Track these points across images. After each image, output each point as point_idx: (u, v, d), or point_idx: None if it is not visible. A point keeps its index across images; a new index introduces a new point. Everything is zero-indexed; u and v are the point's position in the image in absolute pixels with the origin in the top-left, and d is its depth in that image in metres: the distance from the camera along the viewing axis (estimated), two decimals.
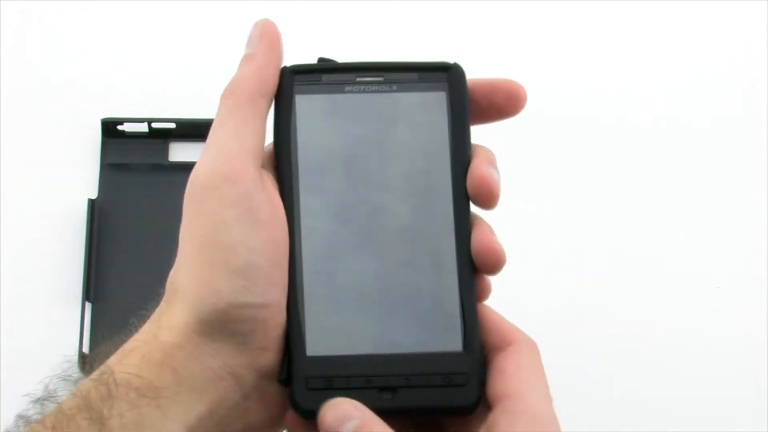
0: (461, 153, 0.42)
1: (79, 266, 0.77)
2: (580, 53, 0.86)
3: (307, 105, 0.43)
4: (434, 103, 0.43)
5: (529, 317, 0.77)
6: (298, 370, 0.39)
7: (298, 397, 0.39)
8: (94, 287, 0.77)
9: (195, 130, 0.81)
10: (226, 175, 0.40)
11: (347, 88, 0.43)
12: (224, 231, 0.39)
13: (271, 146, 0.44)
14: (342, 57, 0.80)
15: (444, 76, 0.43)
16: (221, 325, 0.39)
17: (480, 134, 0.44)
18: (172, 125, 0.81)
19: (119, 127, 0.80)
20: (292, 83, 0.43)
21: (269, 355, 0.40)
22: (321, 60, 0.44)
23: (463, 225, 0.42)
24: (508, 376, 0.40)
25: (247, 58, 0.43)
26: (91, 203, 0.78)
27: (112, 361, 0.39)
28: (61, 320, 0.75)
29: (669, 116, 0.84)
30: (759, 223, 0.81)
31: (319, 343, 0.40)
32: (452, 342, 0.41)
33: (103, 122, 0.80)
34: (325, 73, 0.43)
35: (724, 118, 0.84)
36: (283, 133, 0.42)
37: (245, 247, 0.39)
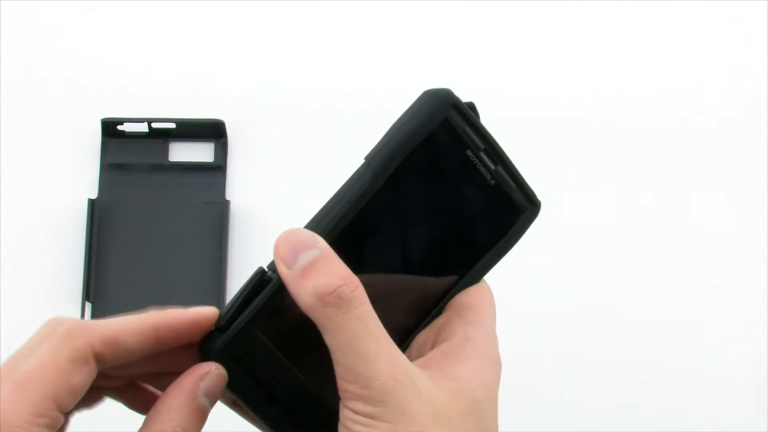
0: None
1: (79, 266, 0.77)
2: (580, 54, 0.86)
3: (439, 134, 0.40)
4: None
5: (528, 316, 0.77)
6: None
7: None
8: (94, 287, 0.77)
9: (195, 130, 0.81)
10: None
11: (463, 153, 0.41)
12: None
13: None
14: (341, 57, 0.80)
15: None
16: None
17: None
18: (172, 125, 0.81)
19: (119, 127, 0.81)
20: (454, 114, 0.40)
21: None
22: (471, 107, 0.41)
23: None
24: None
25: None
26: (91, 203, 0.78)
27: None
28: None
29: (670, 117, 0.84)
30: (759, 223, 0.81)
31: None
32: None
33: (103, 122, 0.80)
34: (470, 128, 0.41)
35: (723, 118, 0.84)
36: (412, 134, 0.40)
37: None
